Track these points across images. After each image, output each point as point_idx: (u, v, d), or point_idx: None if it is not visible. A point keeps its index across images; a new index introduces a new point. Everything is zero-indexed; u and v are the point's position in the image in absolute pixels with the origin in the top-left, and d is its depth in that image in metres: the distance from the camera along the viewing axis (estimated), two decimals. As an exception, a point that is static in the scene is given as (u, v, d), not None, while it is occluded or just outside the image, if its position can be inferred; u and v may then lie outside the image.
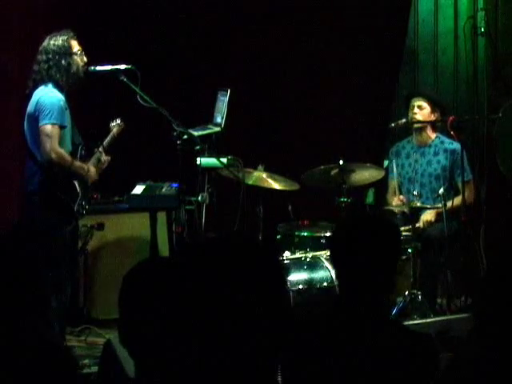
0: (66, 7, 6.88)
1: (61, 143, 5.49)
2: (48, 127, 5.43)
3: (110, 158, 5.87)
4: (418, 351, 2.69)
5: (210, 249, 1.85)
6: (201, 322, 1.76)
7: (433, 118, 6.37)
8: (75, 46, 5.62)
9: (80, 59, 5.63)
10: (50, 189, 5.49)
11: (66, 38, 5.60)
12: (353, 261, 2.76)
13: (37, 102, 5.48)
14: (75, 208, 5.58)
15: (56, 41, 5.58)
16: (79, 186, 5.62)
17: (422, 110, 6.35)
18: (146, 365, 2.20)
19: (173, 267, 2.24)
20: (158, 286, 2.24)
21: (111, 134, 6.05)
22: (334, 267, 2.89)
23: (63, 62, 5.55)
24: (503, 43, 7.25)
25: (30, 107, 5.51)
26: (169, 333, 2.10)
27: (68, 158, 5.53)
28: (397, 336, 2.74)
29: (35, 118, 5.48)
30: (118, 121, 6.13)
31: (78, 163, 5.61)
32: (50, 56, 5.54)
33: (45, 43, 5.60)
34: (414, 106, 6.36)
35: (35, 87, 5.55)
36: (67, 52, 5.57)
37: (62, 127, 5.49)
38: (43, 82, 5.53)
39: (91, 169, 5.72)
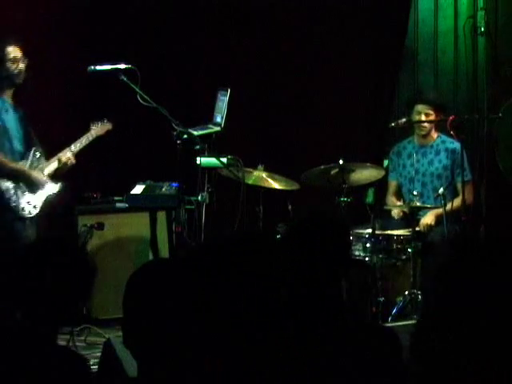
0: (66, 7, 6.88)
1: None
2: None
3: (71, 159, 5.86)
4: (379, 345, 2.66)
5: (214, 250, 1.83)
6: (205, 322, 1.75)
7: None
8: (12, 53, 5.66)
9: (15, 65, 5.65)
10: None
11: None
12: (303, 259, 2.75)
13: None
14: (21, 207, 5.62)
15: None
16: (27, 187, 5.69)
17: (428, 118, 6.38)
18: (149, 365, 2.20)
19: (178, 268, 2.24)
20: (163, 287, 2.23)
21: (85, 135, 6.04)
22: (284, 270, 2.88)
23: None
24: (503, 43, 7.24)
25: None
26: (173, 333, 2.10)
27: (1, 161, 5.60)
28: (356, 331, 2.71)
29: None
30: (104, 121, 6.13)
31: (11, 166, 5.65)
32: None
33: None
34: (420, 113, 6.36)
35: None
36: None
37: None
38: None
39: (33, 174, 5.75)
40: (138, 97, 5.56)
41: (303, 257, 2.75)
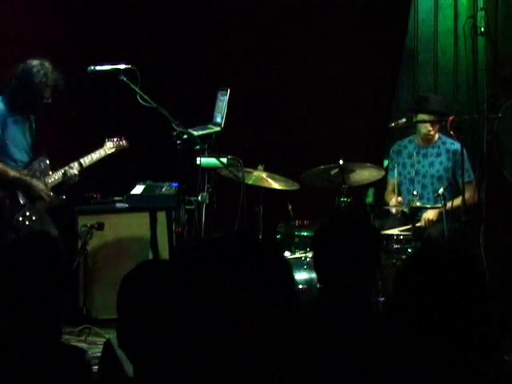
0: (67, 7, 6.89)
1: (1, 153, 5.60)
2: None
3: (76, 174, 5.91)
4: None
5: (210, 249, 1.81)
6: (200, 323, 1.73)
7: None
8: (48, 93, 5.71)
9: (41, 105, 5.72)
10: None
11: (46, 81, 5.68)
12: (335, 262, 2.79)
13: None
14: (16, 218, 5.64)
15: (38, 75, 5.66)
16: (25, 197, 5.69)
17: (434, 126, 6.41)
18: (144, 367, 2.18)
19: (172, 269, 2.22)
20: (156, 288, 2.22)
21: (98, 151, 6.08)
22: (316, 270, 2.91)
23: (27, 92, 5.65)
24: (503, 43, 7.24)
25: None
26: (168, 335, 2.08)
27: (2, 169, 5.60)
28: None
29: None
30: (121, 140, 6.17)
31: (13, 175, 5.67)
32: (22, 81, 5.65)
33: (30, 65, 5.68)
34: (426, 121, 6.39)
35: None
36: (38, 91, 5.66)
37: None
38: None
39: (35, 183, 5.77)
40: (138, 97, 5.56)
41: (338, 257, 2.79)
